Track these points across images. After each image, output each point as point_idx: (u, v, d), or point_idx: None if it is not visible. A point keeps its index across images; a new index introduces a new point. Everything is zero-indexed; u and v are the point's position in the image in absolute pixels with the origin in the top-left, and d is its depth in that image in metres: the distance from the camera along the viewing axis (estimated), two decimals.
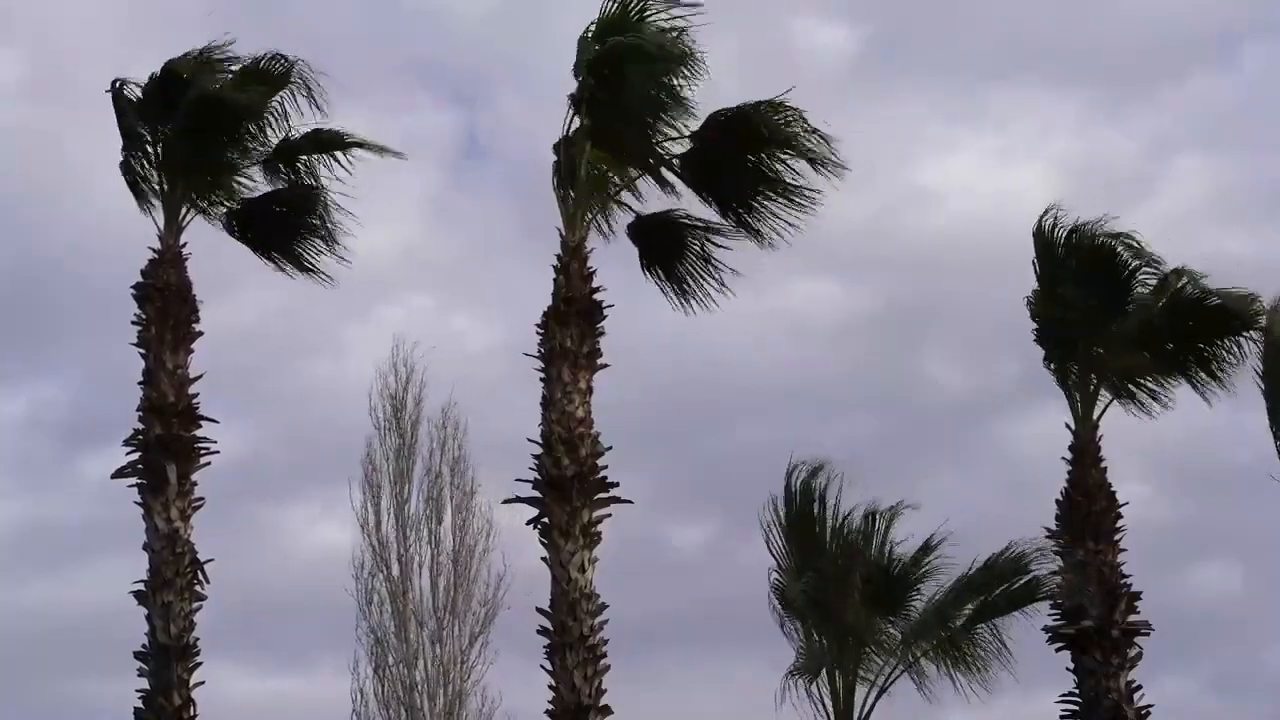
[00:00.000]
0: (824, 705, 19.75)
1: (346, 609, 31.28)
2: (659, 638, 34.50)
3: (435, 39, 45.63)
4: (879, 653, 20.15)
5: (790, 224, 19.20)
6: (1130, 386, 20.69)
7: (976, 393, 41.98)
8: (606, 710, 17.74)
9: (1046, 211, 20.45)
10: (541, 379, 18.46)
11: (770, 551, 20.25)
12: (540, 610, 17.98)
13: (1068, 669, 19.75)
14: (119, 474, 19.27)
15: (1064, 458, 20.26)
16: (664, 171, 19.24)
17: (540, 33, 39.24)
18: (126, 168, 20.14)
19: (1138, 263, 20.37)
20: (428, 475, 32.19)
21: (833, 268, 40.57)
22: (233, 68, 19.91)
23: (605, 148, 18.99)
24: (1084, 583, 19.71)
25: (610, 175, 19.49)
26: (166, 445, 19.10)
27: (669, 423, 40.50)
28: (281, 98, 20.11)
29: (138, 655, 18.84)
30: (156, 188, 20.01)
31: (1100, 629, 19.54)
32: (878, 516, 20.35)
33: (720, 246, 19.63)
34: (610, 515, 18.22)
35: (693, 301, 19.89)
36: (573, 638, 17.69)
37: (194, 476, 19.26)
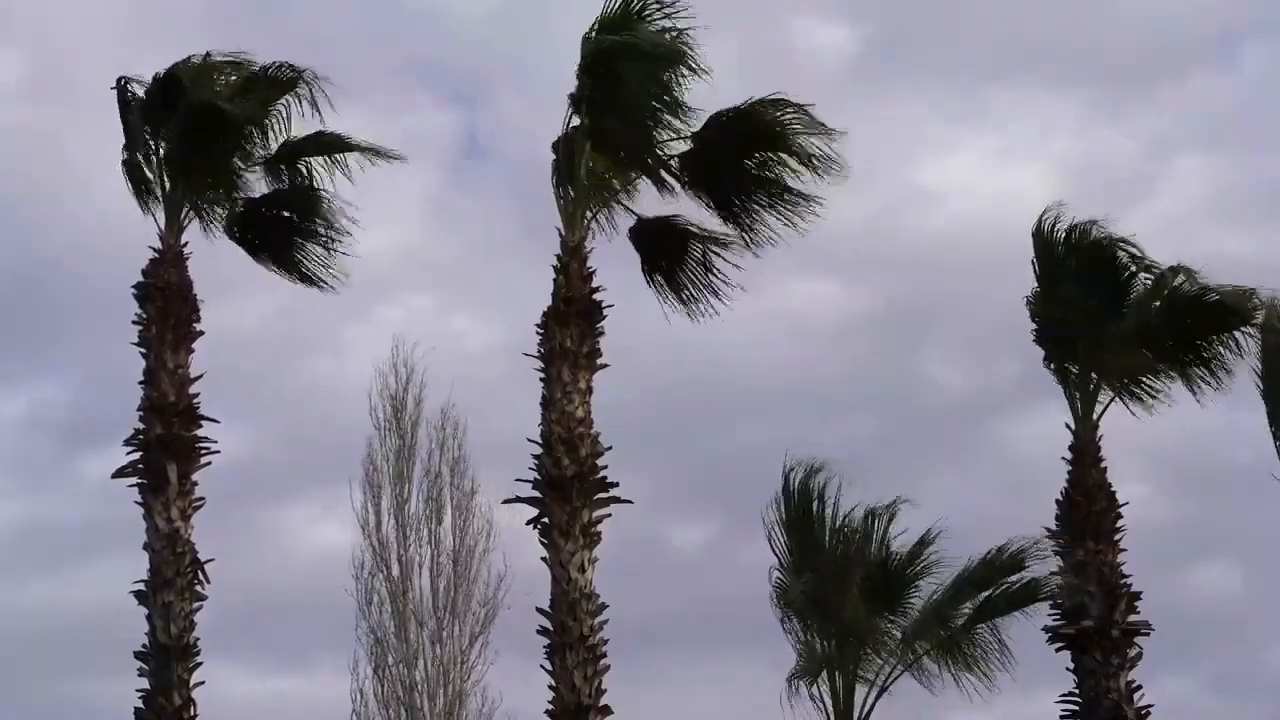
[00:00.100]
0: (824, 705, 19.77)
1: (346, 609, 31.34)
2: (659, 638, 34.56)
3: (435, 39, 45.70)
4: (879, 652, 20.16)
5: (789, 226, 19.18)
6: (1130, 385, 20.69)
7: (976, 393, 42.04)
8: (606, 710, 17.74)
9: (1046, 211, 20.51)
10: (541, 379, 18.46)
11: (773, 550, 20.28)
12: (540, 610, 17.98)
13: (1068, 669, 19.77)
14: (119, 474, 19.27)
15: (1064, 458, 20.27)
16: (663, 173, 19.21)
17: (540, 33, 39.30)
18: (128, 166, 20.14)
19: (1135, 265, 20.39)
20: (427, 475, 32.24)
21: (833, 268, 40.63)
22: (236, 74, 19.89)
23: (604, 148, 18.98)
24: (1084, 583, 19.72)
25: (609, 176, 19.46)
26: (167, 445, 19.11)
27: (669, 423, 40.56)
28: (285, 103, 20.15)
29: (138, 655, 18.84)
30: (157, 187, 20.02)
31: (1100, 629, 19.54)
32: (876, 516, 20.36)
33: (721, 255, 19.60)
34: (610, 515, 18.23)
35: (695, 308, 19.82)
36: (573, 638, 17.69)
37: (194, 476, 19.27)
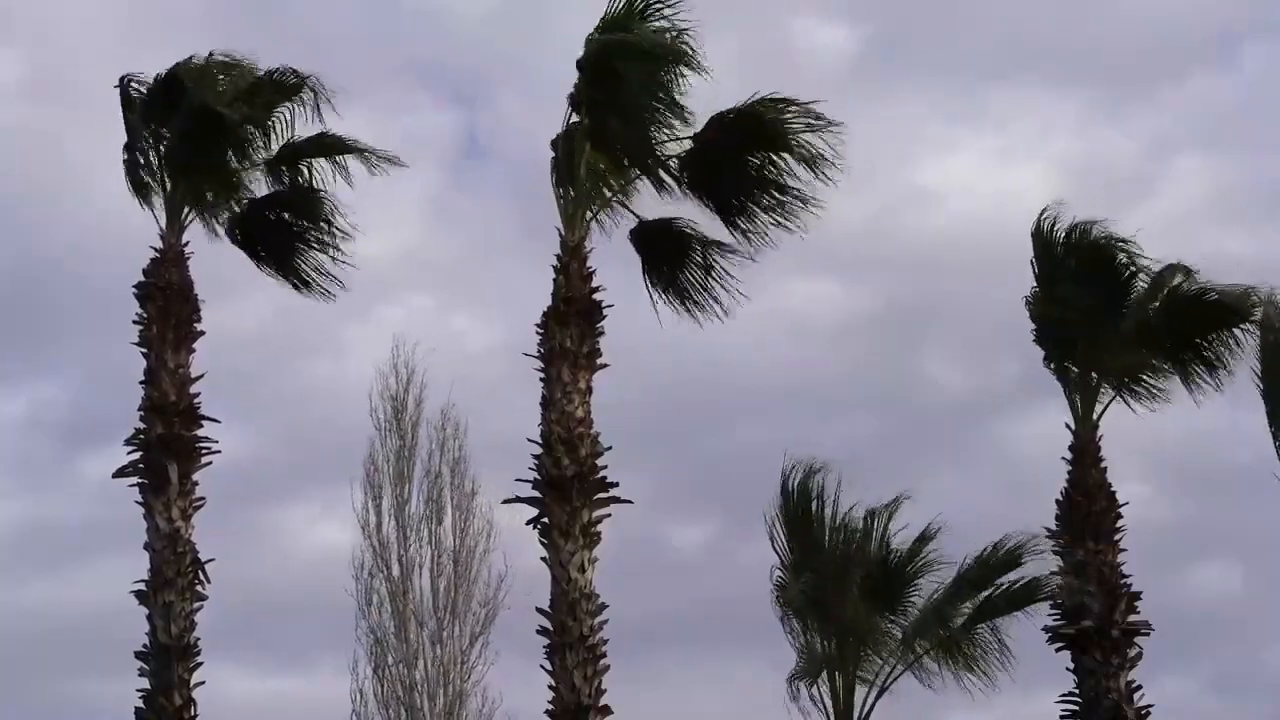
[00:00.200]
0: (824, 705, 19.78)
1: (346, 609, 31.36)
2: (659, 638, 34.57)
3: (435, 39, 45.72)
4: (879, 652, 20.16)
5: (789, 227, 19.15)
6: (1131, 383, 20.69)
7: (976, 393, 42.05)
8: (606, 710, 17.74)
9: (1045, 212, 20.51)
10: (541, 379, 18.46)
11: (775, 549, 20.29)
12: (540, 610, 17.98)
13: (1068, 669, 19.77)
14: (120, 473, 19.28)
15: (1064, 458, 20.27)
16: (662, 173, 19.19)
17: (540, 33, 39.35)
18: (130, 165, 20.13)
19: (1134, 265, 20.40)
20: (428, 476, 32.25)
21: (833, 268, 40.66)
22: (239, 76, 19.88)
23: (604, 148, 18.98)
24: (1084, 583, 19.72)
25: (609, 176, 19.44)
26: (168, 445, 19.11)
27: (669, 423, 40.57)
28: (289, 107, 20.17)
29: (139, 655, 18.84)
30: (159, 187, 20.02)
31: (1100, 629, 19.55)
32: (876, 515, 20.36)
33: (722, 257, 19.55)
34: (610, 515, 18.23)
35: (696, 311, 19.77)
36: (573, 638, 17.69)
37: (195, 476, 19.27)
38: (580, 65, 18.49)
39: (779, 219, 19.07)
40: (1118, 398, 20.54)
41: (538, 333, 18.61)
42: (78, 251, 41.71)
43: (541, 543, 18.09)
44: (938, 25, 46.35)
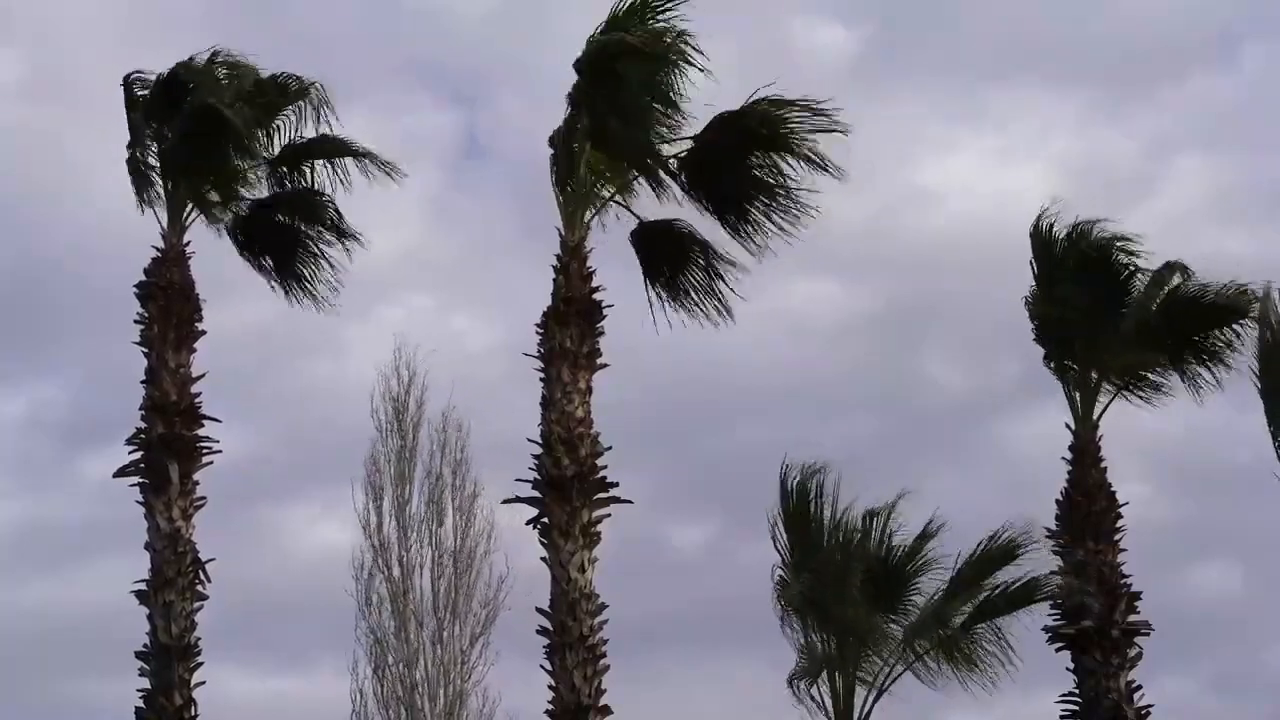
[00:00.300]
0: (824, 705, 19.77)
1: (346, 609, 31.37)
2: (659, 638, 34.57)
3: (435, 39, 45.68)
4: (879, 653, 20.15)
5: (788, 228, 19.15)
6: (1132, 381, 20.70)
7: (976, 393, 42.04)
8: (606, 710, 17.74)
9: (1044, 212, 20.52)
10: (541, 379, 18.47)
11: (776, 549, 20.28)
12: (540, 610, 17.98)
13: (1068, 669, 19.78)
14: (121, 473, 19.28)
15: (1064, 458, 20.28)
16: (661, 173, 19.17)
17: (540, 33, 39.37)
18: (132, 164, 20.13)
19: (1132, 265, 20.42)
20: (429, 477, 32.28)
21: (833, 268, 40.63)
22: (242, 77, 19.87)
23: (604, 148, 18.97)
24: (1084, 583, 19.72)
25: (609, 176, 19.42)
26: (169, 444, 19.12)
27: (669, 423, 40.55)
28: (294, 109, 20.20)
29: (139, 655, 18.85)
30: (160, 187, 20.02)
31: (1100, 629, 19.55)
32: (876, 515, 20.34)
33: (723, 259, 19.54)
34: (610, 515, 18.24)
35: (697, 313, 19.75)
36: (572, 638, 17.69)
37: (196, 476, 19.28)
38: (579, 66, 18.49)
39: (779, 220, 19.07)
40: (1118, 397, 20.55)
41: (538, 333, 18.62)
42: (78, 251, 41.77)
43: (541, 543, 18.10)
44: (938, 25, 46.35)
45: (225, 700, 22.91)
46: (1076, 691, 19.67)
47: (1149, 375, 20.73)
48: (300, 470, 41.36)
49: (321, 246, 20.75)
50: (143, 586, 18.95)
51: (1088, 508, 19.97)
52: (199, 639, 18.88)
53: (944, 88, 47.15)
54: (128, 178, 20.09)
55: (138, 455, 19.25)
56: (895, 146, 42.03)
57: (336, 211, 20.56)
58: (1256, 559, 36.33)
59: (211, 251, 20.37)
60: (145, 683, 18.74)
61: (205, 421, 19.42)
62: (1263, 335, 19.48)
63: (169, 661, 18.63)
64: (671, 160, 19.09)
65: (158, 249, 19.72)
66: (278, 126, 20.40)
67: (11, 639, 35.05)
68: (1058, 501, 20.19)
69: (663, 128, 18.87)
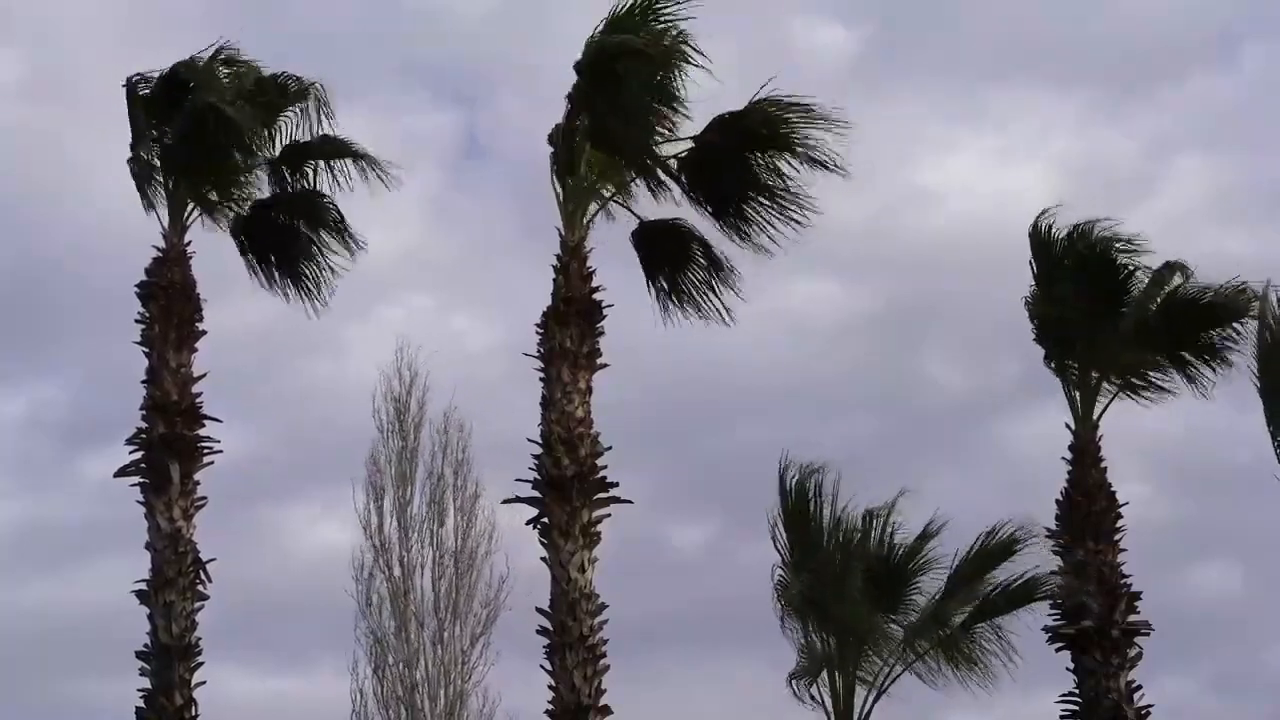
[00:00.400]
0: (824, 705, 19.78)
1: (346, 609, 31.42)
2: (659, 638, 34.58)
3: (435, 39, 45.63)
4: (879, 653, 20.16)
5: (788, 229, 19.16)
6: (1133, 380, 20.70)
7: (976, 393, 42.05)
8: (606, 710, 17.74)
9: (1043, 213, 20.53)
10: (541, 379, 18.46)
11: (776, 548, 20.29)
12: (540, 610, 17.98)
13: (1068, 669, 19.78)
14: (122, 473, 19.27)
15: (1064, 458, 20.28)
16: (660, 173, 19.17)
17: (540, 33, 39.38)
18: (133, 163, 20.12)
19: (1133, 264, 20.43)
20: (430, 478, 32.31)
21: (833, 268, 40.63)
22: (243, 76, 19.87)
23: (604, 148, 18.97)
24: (1084, 583, 19.73)
25: (609, 176, 19.42)
26: (170, 444, 19.11)
27: (669, 423, 40.57)
28: (295, 110, 20.22)
29: (139, 655, 18.84)
30: (161, 186, 20.02)
31: (1100, 629, 19.56)
32: (875, 515, 20.35)
33: (725, 258, 19.56)
34: (610, 515, 18.23)
35: (699, 313, 19.75)
36: (572, 638, 17.69)
37: (196, 476, 19.27)
38: (579, 67, 18.48)
39: (778, 222, 19.06)
40: (1118, 397, 20.55)
41: (538, 333, 18.62)
42: (78, 251, 41.80)
43: (541, 543, 18.10)
44: (938, 25, 46.37)
45: (226, 700, 22.95)
46: (1076, 691, 19.67)
47: (1149, 375, 20.73)
48: (300, 470, 41.42)
49: (323, 247, 20.76)
50: (143, 586, 18.93)
51: (1088, 508, 19.97)
52: (199, 639, 18.87)
53: (944, 88, 47.25)
54: (129, 178, 20.08)
55: (138, 455, 19.23)
56: (895, 146, 42.10)
57: (338, 213, 20.60)
58: (1256, 559, 36.40)
59: (212, 251, 20.42)
60: (145, 683, 18.73)
61: (206, 421, 19.40)
62: (1262, 335, 19.49)
63: (169, 661, 18.63)
64: (671, 160, 19.10)
65: (159, 249, 19.71)
66: (279, 127, 20.42)
67: (11, 639, 35.12)
68: (1058, 501, 20.20)
69: (662, 129, 18.85)
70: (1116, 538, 20.00)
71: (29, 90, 43.52)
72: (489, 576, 31.59)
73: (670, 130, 18.84)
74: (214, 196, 20.47)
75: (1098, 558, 19.84)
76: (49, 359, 45.82)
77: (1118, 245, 20.43)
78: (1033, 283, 20.58)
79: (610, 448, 18.31)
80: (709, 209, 19.25)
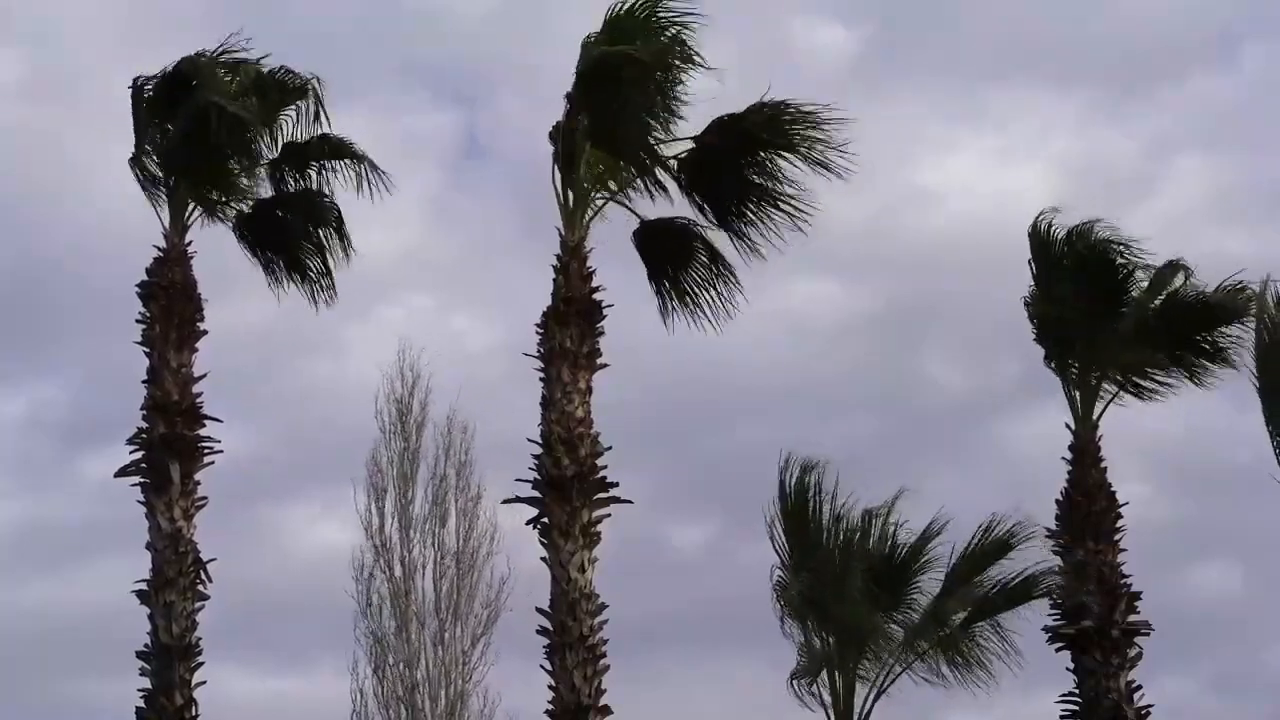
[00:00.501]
0: (824, 705, 19.77)
1: (346, 609, 31.44)
2: (659, 638, 34.58)
3: (435, 39, 45.62)
4: (879, 653, 20.15)
5: (787, 230, 19.19)
6: (1134, 379, 20.71)
7: (976, 393, 42.05)
8: (606, 710, 17.74)
9: (1042, 213, 20.54)
10: (541, 379, 18.47)
11: (775, 549, 20.28)
12: (540, 610, 17.98)
13: (1068, 669, 19.79)
14: (122, 472, 19.27)
15: (1064, 458, 20.29)
16: (661, 173, 19.20)
17: (540, 33, 39.38)
18: (136, 164, 20.12)
19: (1132, 264, 20.44)
20: (433, 479, 32.34)
21: (833, 268, 40.63)
22: (243, 74, 19.87)
23: (604, 147, 18.98)
24: (1084, 583, 19.73)
25: (609, 175, 19.43)
26: (170, 444, 19.11)
27: (669, 423, 40.57)
28: (295, 108, 20.24)
29: (140, 655, 18.84)
30: (162, 186, 20.02)
31: (1100, 629, 19.56)
32: (874, 514, 20.33)
33: (726, 257, 19.57)
34: (610, 515, 18.23)
35: (701, 312, 19.76)
36: (572, 638, 17.70)
37: (197, 476, 19.27)
38: (578, 74, 18.49)
39: (778, 224, 19.10)
40: (1118, 397, 20.56)
41: (538, 333, 18.62)
42: (78, 251, 41.80)
43: (541, 543, 18.10)
44: (938, 25, 46.36)
45: (226, 700, 22.97)
46: (1076, 691, 19.68)
47: (1149, 374, 20.73)
48: (300, 470, 41.42)
49: (324, 244, 20.79)
50: (143, 586, 18.93)
51: (1088, 508, 19.98)
52: (200, 639, 18.87)
53: (944, 88, 47.24)
54: (130, 178, 20.12)
55: (139, 455, 19.23)
56: (895, 146, 42.11)
57: (339, 214, 20.62)
58: (1256, 559, 36.39)
59: (213, 251, 20.43)
60: (146, 683, 18.73)
61: (206, 421, 19.41)
62: (1259, 334, 19.51)
63: (170, 661, 18.63)
64: (671, 161, 19.12)
65: (159, 249, 19.72)
66: (280, 125, 20.44)
67: (11, 639, 35.11)
68: (1058, 501, 20.20)
69: (662, 129, 18.87)
70: (1116, 538, 20.00)
71: (29, 90, 43.56)
72: (490, 577, 31.65)
73: (671, 130, 18.89)
74: (215, 196, 20.48)
75: (1098, 558, 19.85)
76: (49, 359, 45.88)
77: (1117, 245, 20.44)
78: (1032, 283, 20.60)
79: (610, 448, 18.33)
80: (708, 210, 19.28)
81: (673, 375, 36.60)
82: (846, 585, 19.60)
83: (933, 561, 20.48)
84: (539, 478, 18.18)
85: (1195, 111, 47.39)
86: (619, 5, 18.53)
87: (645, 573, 34.84)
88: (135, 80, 19.98)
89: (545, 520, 18.09)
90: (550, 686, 17.77)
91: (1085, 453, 20.17)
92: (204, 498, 19.31)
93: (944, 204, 44.67)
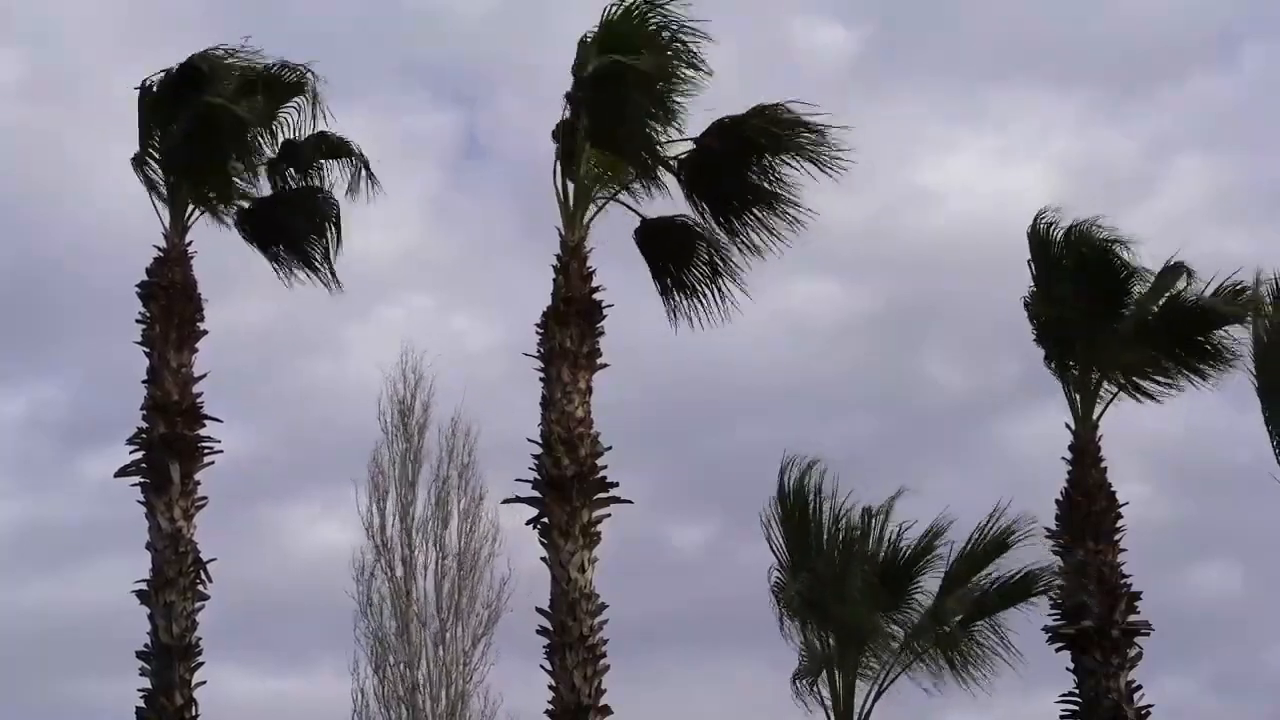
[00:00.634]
0: (824, 705, 19.75)
1: (347, 609, 31.42)
2: (659, 638, 34.57)
3: (435, 39, 45.61)
4: (879, 652, 20.13)
5: (786, 235, 19.21)
6: (1134, 380, 20.70)
7: (976, 393, 42.04)
8: (606, 710, 17.75)
9: (1041, 213, 20.53)
10: (541, 379, 18.47)
11: (772, 550, 20.26)
12: (540, 610, 17.99)
13: (1068, 669, 19.79)
14: (122, 472, 19.28)
15: (1064, 458, 20.30)
16: (662, 172, 19.22)
17: (540, 33, 39.34)
18: (139, 163, 20.12)
19: (1131, 264, 20.44)
20: (436, 480, 32.37)
21: (833, 268, 40.59)
22: (242, 73, 19.87)
23: (604, 146, 18.98)
24: (1084, 583, 19.73)
25: (610, 175, 19.43)
26: (170, 444, 19.12)
27: (669, 423, 40.55)
28: (295, 104, 20.27)
29: (140, 655, 18.85)
30: (163, 186, 20.03)
31: (1100, 629, 19.57)
32: (874, 514, 20.30)
33: (728, 256, 19.57)
34: (610, 515, 18.24)
35: (703, 310, 19.78)
36: (572, 638, 17.70)
37: (197, 476, 19.28)
38: (580, 76, 18.50)
39: (777, 226, 19.13)
40: (1118, 397, 20.56)
41: (538, 333, 18.63)
42: (78, 251, 41.78)
43: (541, 543, 18.11)
44: (938, 25, 46.33)
45: (226, 700, 22.95)
46: (1076, 691, 19.69)
47: (1149, 374, 20.73)
48: (300, 470, 41.41)
49: (327, 237, 20.83)
50: (143, 586, 18.94)
51: (1088, 508, 19.98)
52: (200, 639, 18.88)
53: (944, 88, 47.22)
54: (131, 178, 20.15)
55: (139, 455, 19.25)
56: (895, 146, 42.01)
57: (338, 211, 20.66)
58: (1256, 559, 36.37)
59: (213, 250, 20.44)
60: (146, 683, 18.74)
61: (206, 421, 19.42)
62: (1257, 334, 19.52)
63: (170, 661, 18.64)
64: (672, 161, 19.14)
65: (159, 249, 19.73)
66: (280, 123, 20.45)
67: (11, 639, 35.09)
68: (1058, 501, 20.20)
69: (662, 130, 18.90)
70: (1116, 538, 20.01)
71: (29, 90, 43.54)
72: (490, 578, 31.66)
73: (670, 130, 18.93)
74: (216, 195, 20.49)
75: (1098, 558, 19.85)
76: (49, 359, 45.86)
77: (1117, 245, 20.44)
78: (1032, 283, 20.59)
79: (610, 448, 18.33)
80: (708, 211, 19.30)
81: (673, 375, 36.63)
82: (846, 585, 19.59)
83: (934, 561, 20.46)
84: (539, 478, 18.18)
85: (1195, 111, 47.45)
86: (615, 6, 18.55)
87: (645, 573, 34.86)
88: (144, 82, 19.99)
89: (545, 520, 18.09)
90: (550, 686, 17.77)
91: (1085, 453, 20.17)
92: (204, 498, 19.33)
93: (944, 204, 44.70)
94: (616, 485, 18.23)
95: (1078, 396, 20.31)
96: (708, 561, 39.74)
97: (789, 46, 40.79)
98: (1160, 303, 20.41)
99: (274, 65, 20.06)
